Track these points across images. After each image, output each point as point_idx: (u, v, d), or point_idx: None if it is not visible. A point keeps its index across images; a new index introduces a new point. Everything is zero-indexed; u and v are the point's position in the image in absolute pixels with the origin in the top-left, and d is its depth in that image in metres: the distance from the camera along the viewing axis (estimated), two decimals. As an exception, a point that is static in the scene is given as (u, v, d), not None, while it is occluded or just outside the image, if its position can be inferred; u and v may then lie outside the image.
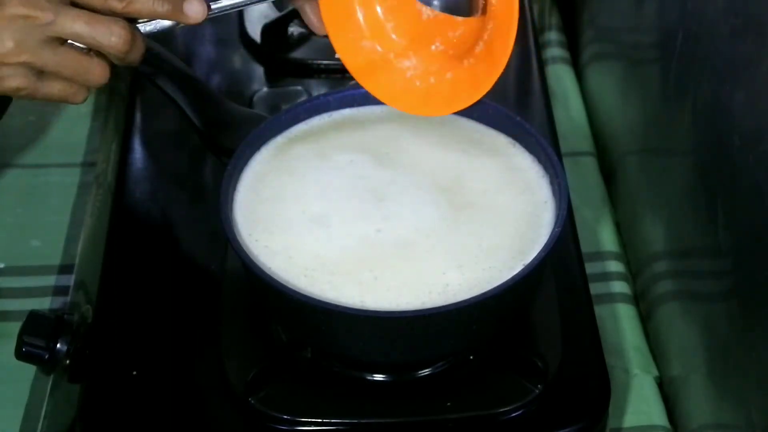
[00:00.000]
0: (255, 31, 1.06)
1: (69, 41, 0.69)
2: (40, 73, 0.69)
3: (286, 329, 0.79)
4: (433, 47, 0.80)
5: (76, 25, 0.68)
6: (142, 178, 0.94)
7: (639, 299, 0.98)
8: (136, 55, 0.71)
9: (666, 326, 0.93)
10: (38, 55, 0.68)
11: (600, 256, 1.00)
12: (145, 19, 0.72)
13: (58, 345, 0.80)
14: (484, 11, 0.77)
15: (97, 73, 0.71)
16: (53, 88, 0.70)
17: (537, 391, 0.77)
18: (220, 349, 0.79)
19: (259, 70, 1.05)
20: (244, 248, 0.74)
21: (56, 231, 1.02)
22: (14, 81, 0.68)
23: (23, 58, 0.67)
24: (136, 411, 0.78)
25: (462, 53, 0.78)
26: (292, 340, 0.79)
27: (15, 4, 0.67)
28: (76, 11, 0.69)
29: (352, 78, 1.03)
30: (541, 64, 1.06)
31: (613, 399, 0.79)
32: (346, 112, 0.86)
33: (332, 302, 0.71)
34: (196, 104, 0.90)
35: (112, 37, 0.69)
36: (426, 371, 0.78)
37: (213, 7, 0.73)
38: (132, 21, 0.71)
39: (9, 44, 0.67)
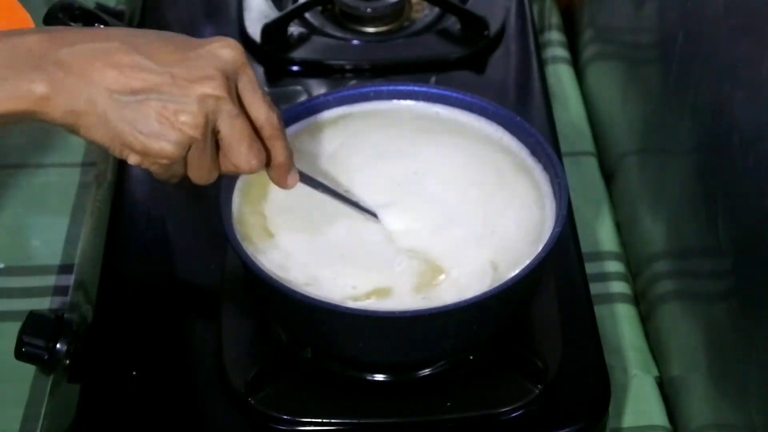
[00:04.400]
0: (255, 31, 1.06)
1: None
2: (186, 152, 0.68)
3: (286, 329, 0.79)
4: None
5: (244, 132, 0.69)
6: (142, 178, 0.94)
7: (639, 299, 0.98)
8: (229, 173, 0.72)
9: (666, 326, 0.93)
10: (205, 138, 0.68)
11: (600, 256, 1.00)
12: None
13: (58, 345, 0.80)
14: None
15: (207, 180, 0.71)
16: (176, 171, 0.70)
17: (537, 391, 0.77)
18: (220, 349, 0.79)
19: (259, 70, 1.05)
20: (244, 248, 0.74)
21: (56, 231, 1.02)
22: (170, 146, 0.67)
23: (196, 132, 0.67)
24: (135, 411, 0.78)
25: None
26: (292, 340, 0.79)
27: (214, 84, 0.67)
28: (247, 121, 0.70)
29: (352, 78, 1.04)
30: (541, 64, 1.06)
31: (613, 399, 0.79)
32: (347, 110, 0.86)
33: (332, 302, 0.71)
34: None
35: (254, 160, 0.70)
36: (426, 371, 0.78)
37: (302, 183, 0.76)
38: None
39: (197, 115, 0.67)
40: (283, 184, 0.74)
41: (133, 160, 0.68)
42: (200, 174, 0.70)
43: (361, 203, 0.78)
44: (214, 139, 0.69)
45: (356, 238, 0.76)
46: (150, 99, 0.66)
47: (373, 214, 0.78)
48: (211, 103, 0.67)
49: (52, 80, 0.65)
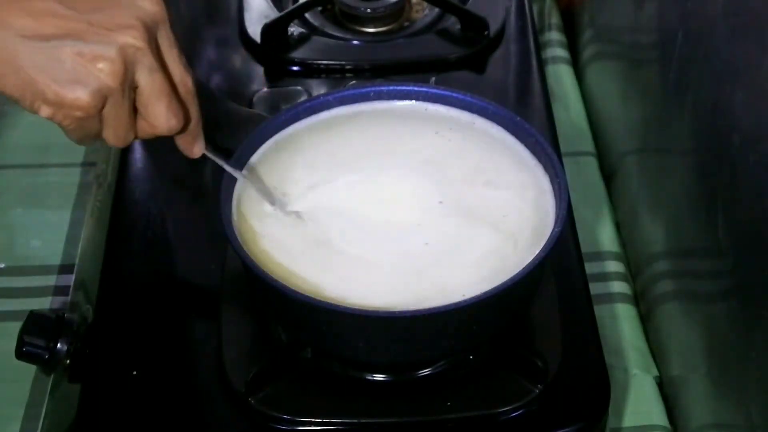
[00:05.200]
0: (255, 31, 1.06)
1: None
2: (102, 105, 0.66)
3: (286, 329, 0.79)
4: None
5: (163, 89, 0.67)
6: (142, 178, 0.94)
7: (639, 299, 0.98)
8: (148, 135, 0.70)
9: (666, 326, 0.93)
10: (122, 90, 0.65)
11: (600, 256, 1.00)
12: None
13: (59, 345, 0.80)
14: None
15: (123, 141, 0.69)
16: (90, 127, 0.67)
17: (537, 391, 0.77)
18: (220, 349, 0.79)
19: (259, 70, 1.05)
20: (244, 248, 0.74)
21: (56, 231, 1.02)
22: (86, 93, 0.64)
23: (113, 80, 0.64)
24: (136, 411, 0.78)
25: None
26: (292, 340, 0.79)
27: (134, 34, 0.65)
28: (167, 78, 0.68)
29: (352, 78, 1.04)
30: (541, 64, 1.06)
31: (612, 399, 0.79)
32: (346, 110, 0.86)
33: (332, 302, 0.71)
34: (196, 104, 0.90)
35: (174, 119, 0.69)
36: (426, 371, 0.78)
37: (207, 153, 0.75)
38: None
39: (115, 62, 0.64)
40: (189, 152, 0.73)
41: (45, 112, 0.65)
42: (116, 133, 0.68)
43: (265, 188, 0.77)
44: (131, 94, 0.67)
45: (357, 246, 0.76)
46: (65, 44, 0.64)
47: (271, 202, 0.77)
48: (131, 53, 0.65)
49: None
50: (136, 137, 0.70)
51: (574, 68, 1.20)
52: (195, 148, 0.74)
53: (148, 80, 0.66)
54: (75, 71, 0.64)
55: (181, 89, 0.69)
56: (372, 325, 0.72)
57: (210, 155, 0.76)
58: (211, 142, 0.76)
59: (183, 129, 0.71)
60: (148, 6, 0.67)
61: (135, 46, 0.65)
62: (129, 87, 0.66)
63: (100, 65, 0.64)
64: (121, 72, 0.65)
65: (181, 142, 0.73)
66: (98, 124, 0.67)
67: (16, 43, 0.63)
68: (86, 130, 0.67)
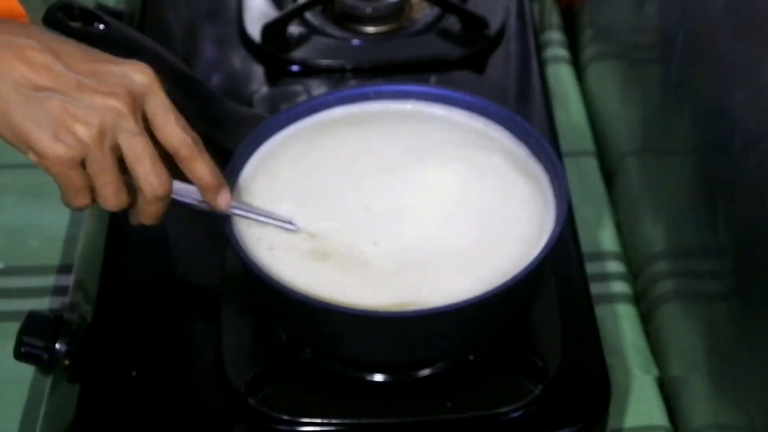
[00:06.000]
0: (255, 31, 1.06)
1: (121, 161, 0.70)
2: (83, 163, 0.69)
3: (286, 329, 0.79)
4: None
5: (145, 152, 0.70)
6: (141, 178, 0.94)
7: (639, 299, 0.98)
8: (151, 210, 0.73)
9: (666, 326, 0.93)
10: (101, 150, 0.68)
11: (600, 256, 1.00)
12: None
13: (58, 345, 0.80)
14: None
15: (114, 201, 0.71)
16: (75, 180, 0.70)
17: (537, 391, 0.77)
18: (220, 349, 0.79)
19: (259, 70, 1.05)
20: (244, 248, 0.74)
21: (56, 231, 1.02)
22: (64, 149, 0.67)
23: (91, 142, 0.67)
24: (135, 411, 0.78)
25: None
26: (292, 340, 0.79)
27: (118, 100, 0.68)
28: (150, 142, 0.70)
29: (352, 78, 1.04)
30: (541, 64, 1.06)
31: (613, 399, 0.79)
32: (346, 110, 0.86)
33: (332, 302, 0.71)
34: (196, 104, 0.90)
35: (156, 181, 0.70)
36: (426, 371, 0.78)
37: (234, 211, 0.76)
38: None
39: (93, 125, 0.67)
40: (214, 204, 0.74)
41: (32, 158, 0.69)
42: (105, 193, 0.70)
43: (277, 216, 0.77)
44: (115, 157, 0.69)
45: (357, 245, 0.76)
46: (53, 98, 0.67)
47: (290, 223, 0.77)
48: (111, 117, 0.68)
49: None
50: (130, 202, 0.72)
51: (574, 68, 1.20)
52: (219, 200, 0.74)
53: (128, 144, 0.69)
54: (57, 125, 0.67)
55: (182, 151, 0.71)
56: (372, 325, 0.72)
57: (238, 212, 0.76)
58: (211, 141, 0.75)
59: (206, 186, 0.73)
60: (138, 77, 0.70)
61: (116, 110, 0.68)
62: (109, 148, 0.69)
63: (79, 123, 0.67)
64: (95, 133, 0.68)
65: (205, 197, 0.74)
66: (84, 180, 0.70)
67: (8, 89, 0.67)
68: (75, 184, 0.70)
